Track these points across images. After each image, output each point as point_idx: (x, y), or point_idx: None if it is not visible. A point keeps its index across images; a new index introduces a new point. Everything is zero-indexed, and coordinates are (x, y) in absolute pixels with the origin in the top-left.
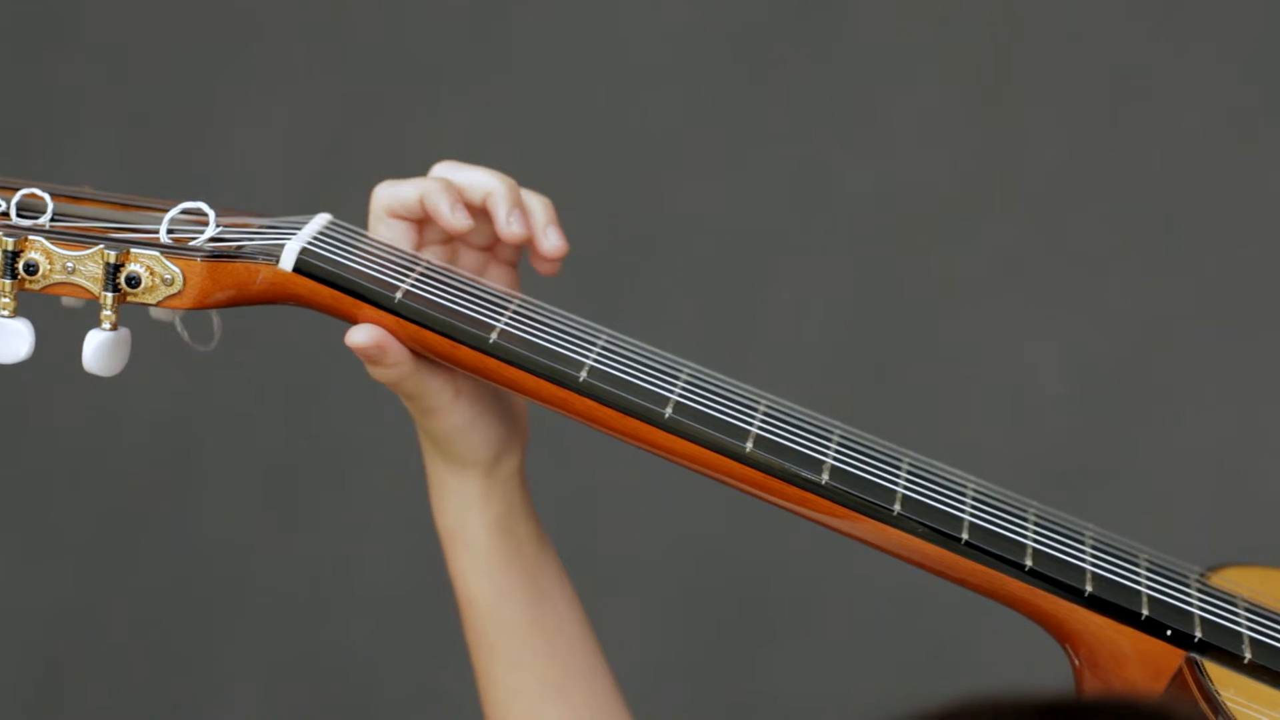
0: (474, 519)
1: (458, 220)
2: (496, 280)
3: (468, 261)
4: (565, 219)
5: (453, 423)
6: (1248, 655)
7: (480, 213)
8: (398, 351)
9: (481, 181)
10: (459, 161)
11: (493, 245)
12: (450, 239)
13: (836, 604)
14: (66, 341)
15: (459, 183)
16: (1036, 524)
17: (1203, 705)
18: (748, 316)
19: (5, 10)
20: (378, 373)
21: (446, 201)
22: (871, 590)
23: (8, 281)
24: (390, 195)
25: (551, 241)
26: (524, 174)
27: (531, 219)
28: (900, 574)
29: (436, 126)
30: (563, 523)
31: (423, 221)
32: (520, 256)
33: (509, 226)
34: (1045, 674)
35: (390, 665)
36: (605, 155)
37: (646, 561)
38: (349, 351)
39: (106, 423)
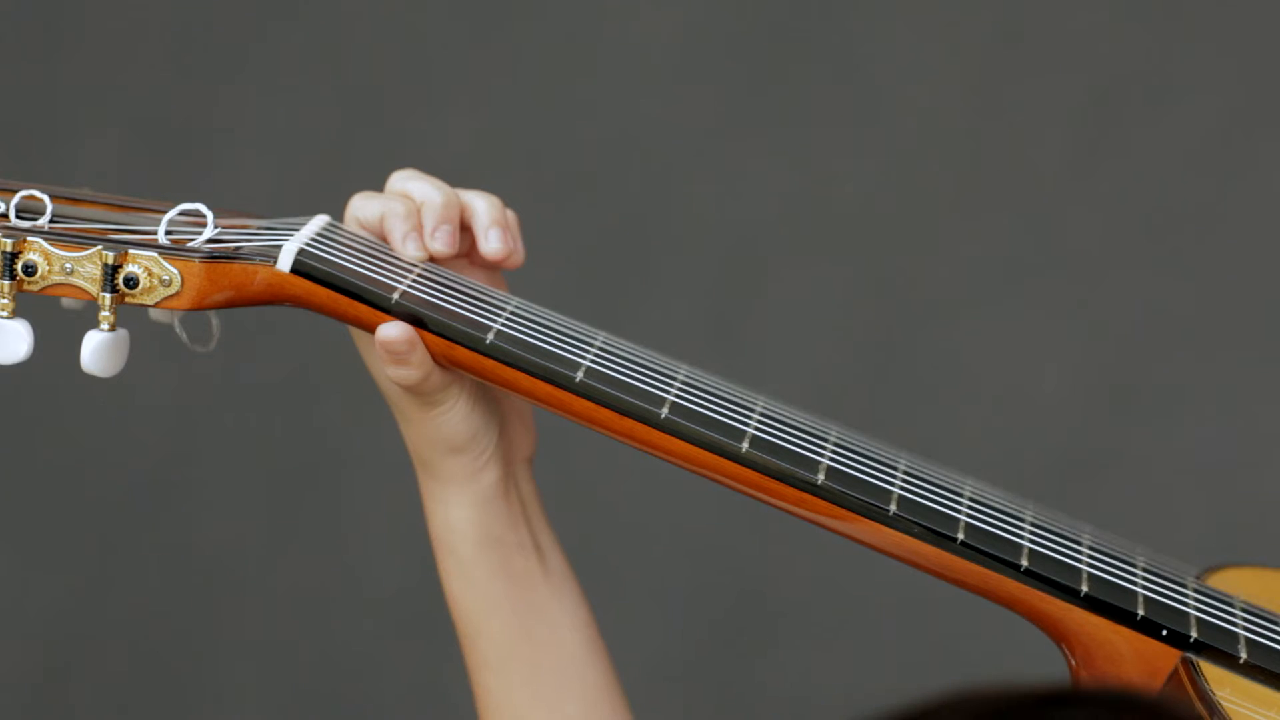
0: (456, 528)
1: (407, 250)
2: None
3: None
4: (564, 218)
5: (453, 425)
6: (1243, 655)
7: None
8: (424, 351)
9: (427, 197)
10: (415, 171)
11: (470, 251)
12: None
13: (834, 605)
14: (66, 344)
15: (417, 198)
16: (1033, 525)
17: (1198, 705)
18: (746, 318)
19: (6, 10)
20: (398, 372)
21: (400, 231)
22: (869, 591)
23: (6, 282)
24: (358, 209)
25: (491, 245)
26: (524, 174)
27: (474, 221)
28: (898, 575)
29: (437, 127)
30: (561, 523)
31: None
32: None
33: (433, 242)
34: (1043, 672)
35: (390, 665)
36: (605, 155)
37: (645, 563)
38: (349, 352)
39: (106, 424)
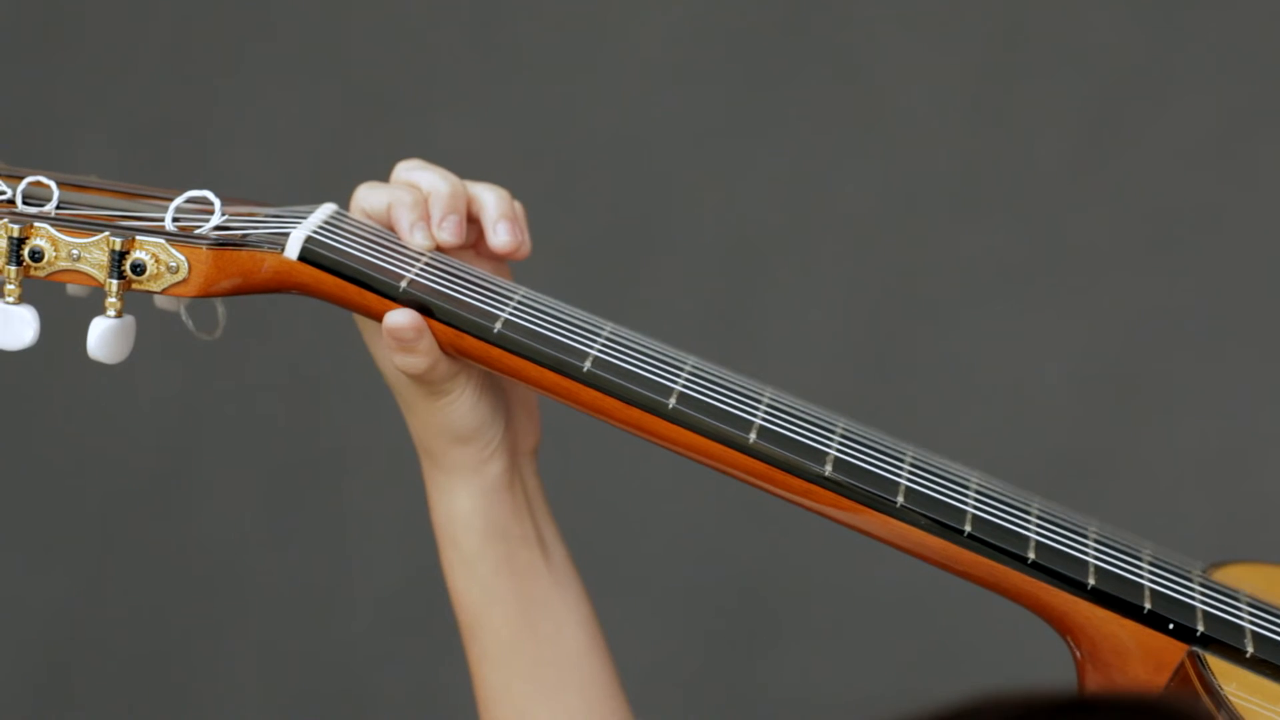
0: (460, 519)
1: (415, 240)
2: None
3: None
4: (565, 217)
5: (459, 414)
6: (1250, 649)
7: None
8: (432, 338)
9: (434, 188)
10: (421, 161)
11: (477, 242)
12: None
13: (835, 604)
14: (68, 340)
15: (424, 187)
16: (1039, 517)
17: (1205, 699)
18: (749, 317)
19: (6, 10)
20: (406, 360)
21: (407, 220)
22: (870, 591)
23: (13, 268)
24: (365, 199)
25: (499, 238)
26: (526, 172)
27: (482, 213)
28: (900, 575)
29: (438, 122)
30: (561, 522)
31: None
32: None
33: (440, 232)
34: (1048, 669)
35: (391, 664)
36: (606, 154)
37: (646, 562)
38: (352, 347)
39: (108, 420)
